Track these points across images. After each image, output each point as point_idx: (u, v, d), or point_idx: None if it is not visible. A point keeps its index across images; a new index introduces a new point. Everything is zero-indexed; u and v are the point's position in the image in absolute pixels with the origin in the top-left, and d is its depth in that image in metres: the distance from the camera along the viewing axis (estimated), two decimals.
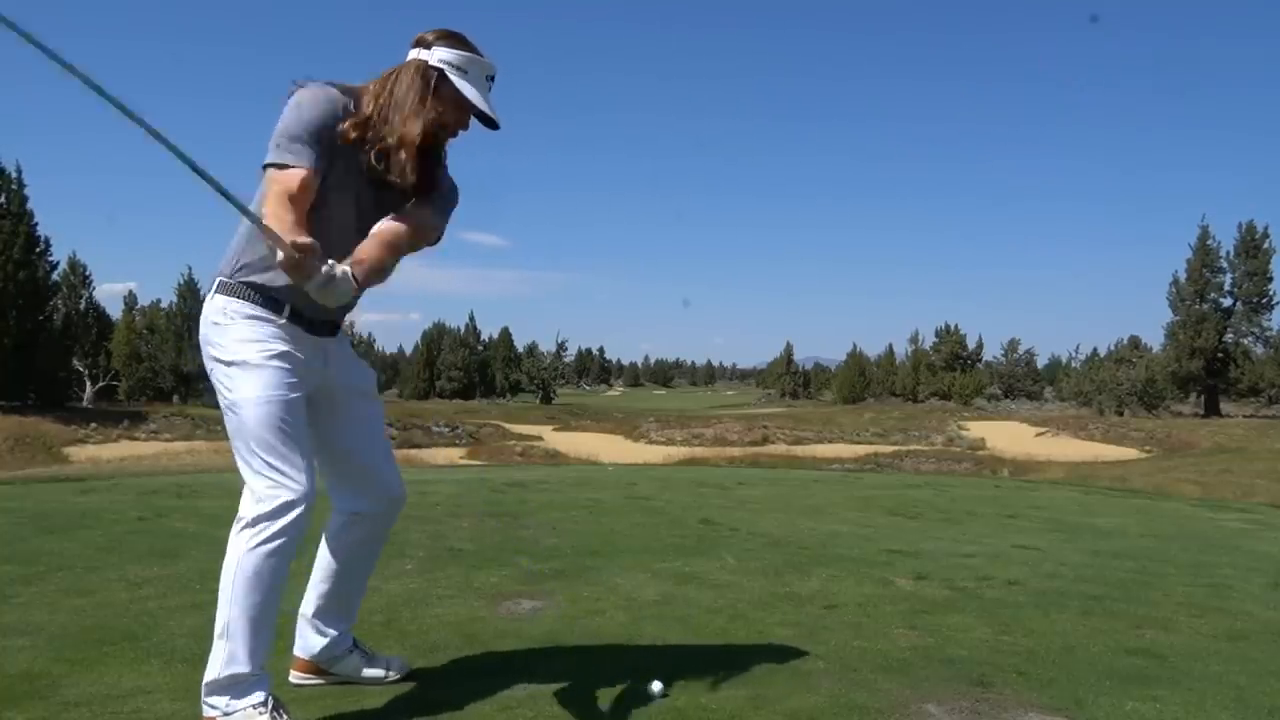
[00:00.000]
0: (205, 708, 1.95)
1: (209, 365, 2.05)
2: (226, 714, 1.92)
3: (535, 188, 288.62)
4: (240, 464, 2.00)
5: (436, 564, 3.80)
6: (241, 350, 2.01)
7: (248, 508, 1.97)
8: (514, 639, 2.75)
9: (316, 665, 2.31)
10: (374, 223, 2.06)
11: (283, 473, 1.96)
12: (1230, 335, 48.43)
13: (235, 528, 1.97)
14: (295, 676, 2.31)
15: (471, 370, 69.61)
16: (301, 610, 2.29)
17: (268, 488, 1.96)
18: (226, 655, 1.93)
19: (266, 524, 1.94)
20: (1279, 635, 3.05)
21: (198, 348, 2.14)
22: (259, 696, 1.94)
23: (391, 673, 2.35)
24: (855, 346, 74.40)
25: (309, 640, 2.29)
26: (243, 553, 1.95)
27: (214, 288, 2.07)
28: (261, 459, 1.97)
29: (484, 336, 75.11)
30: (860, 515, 5.76)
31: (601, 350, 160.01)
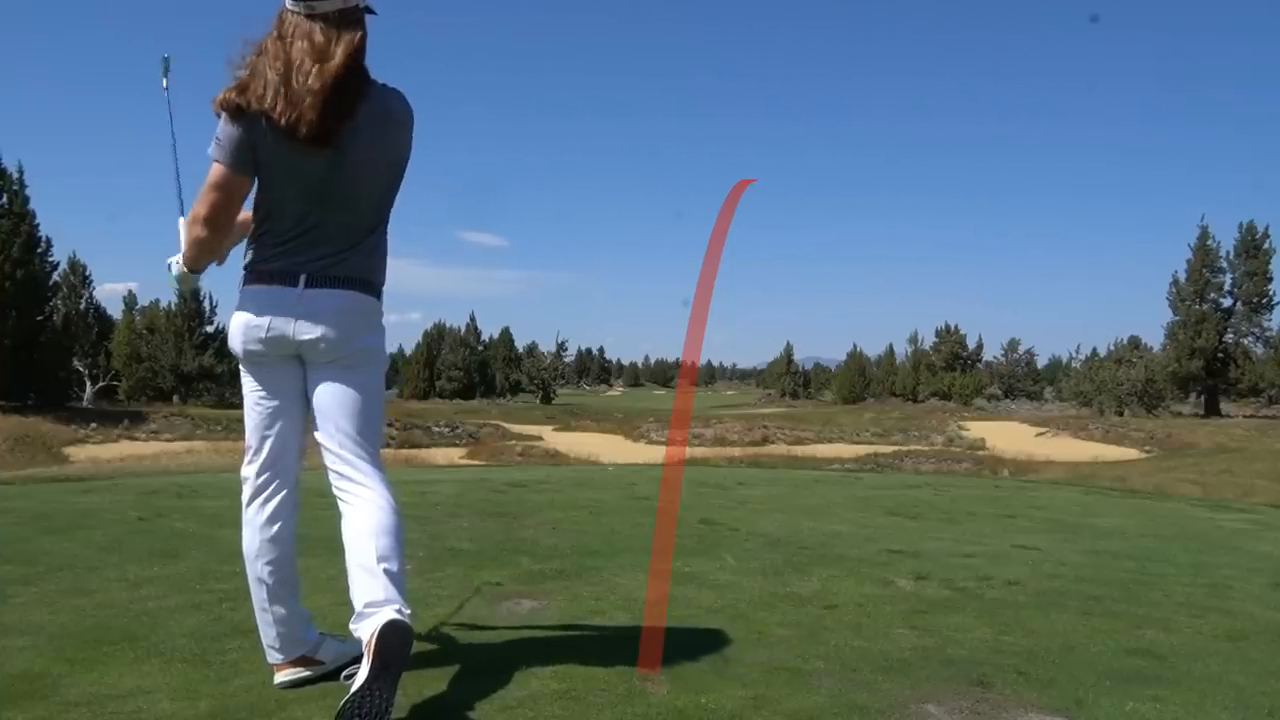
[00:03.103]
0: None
1: (377, 355, 2.28)
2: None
3: (535, 188, 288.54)
4: (380, 441, 2.29)
5: (436, 564, 3.80)
6: None
7: (382, 467, 2.27)
8: (514, 639, 2.75)
9: (305, 658, 2.31)
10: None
11: None
12: (1230, 335, 48.39)
13: (389, 489, 2.22)
14: (288, 675, 2.29)
15: (471, 370, 69.57)
16: (275, 612, 2.28)
17: None
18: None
19: None
20: (1279, 635, 3.05)
21: (333, 341, 2.19)
22: None
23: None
24: (855, 346, 74.44)
25: (292, 632, 2.30)
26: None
27: (377, 295, 2.27)
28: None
29: (484, 336, 75.09)
30: (860, 515, 5.76)
31: (601, 350, 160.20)
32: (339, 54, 2.10)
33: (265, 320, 2.17)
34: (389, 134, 2.20)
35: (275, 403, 2.27)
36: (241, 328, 2.20)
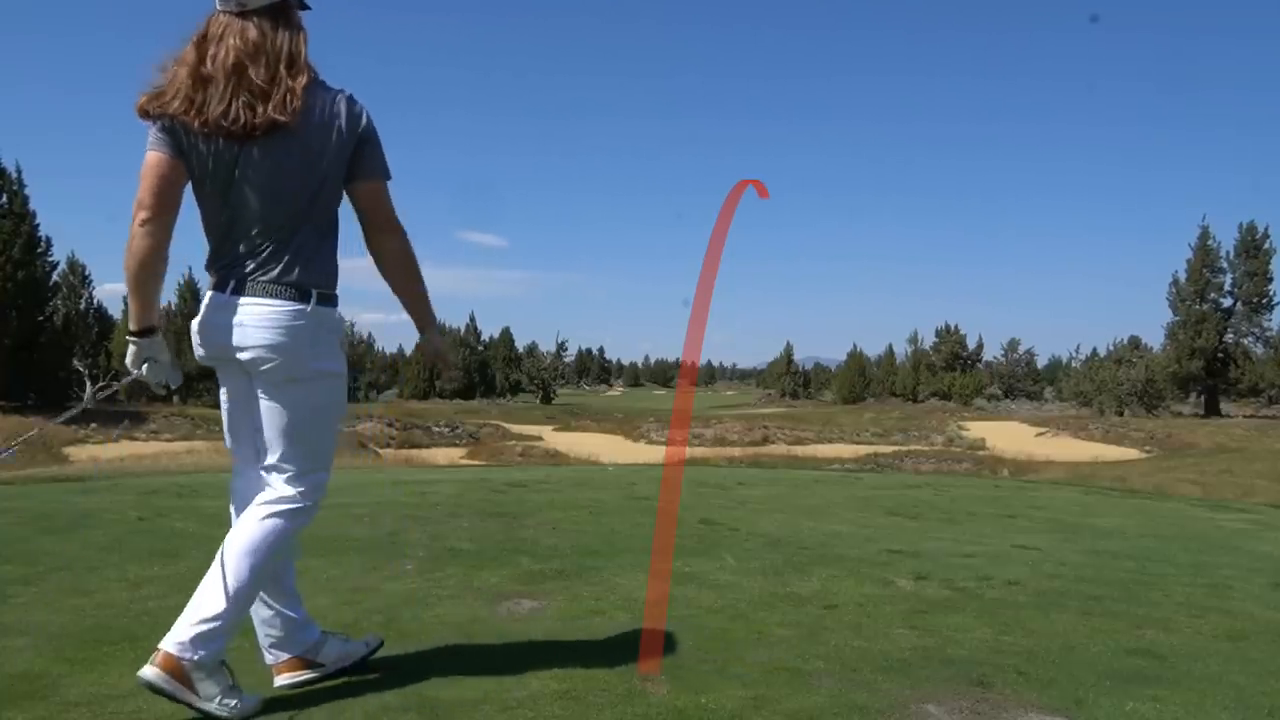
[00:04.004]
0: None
1: (314, 371, 2.18)
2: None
3: (535, 188, 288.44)
4: (310, 458, 2.22)
5: (436, 564, 3.80)
6: (342, 363, 2.26)
7: (313, 495, 2.24)
8: (514, 639, 2.75)
9: (303, 659, 2.31)
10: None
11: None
12: (1230, 335, 48.43)
13: (288, 515, 2.19)
14: (285, 678, 2.29)
15: (471, 370, 69.57)
16: (261, 613, 2.28)
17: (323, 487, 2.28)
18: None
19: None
20: (1279, 635, 3.05)
21: (275, 348, 2.12)
22: None
23: (370, 644, 2.47)
24: (855, 346, 74.46)
25: (285, 634, 2.29)
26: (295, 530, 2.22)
27: (314, 299, 2.16)
28: (329, 459, 2.27)
29: (484, 336, 75.10)
30: (860, 515, 5.75)
31: (601, 350, 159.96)
32: (277, 48, 2.09)
33: (202, 326, 2.18)
34: (313, 130, 2.12)
35: (234, 406, 2.27)
36: (191, 332, 2.21)
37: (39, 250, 34.32)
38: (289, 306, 2.13)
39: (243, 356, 2.14)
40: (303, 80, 2.10)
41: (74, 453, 26.74)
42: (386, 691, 2.27)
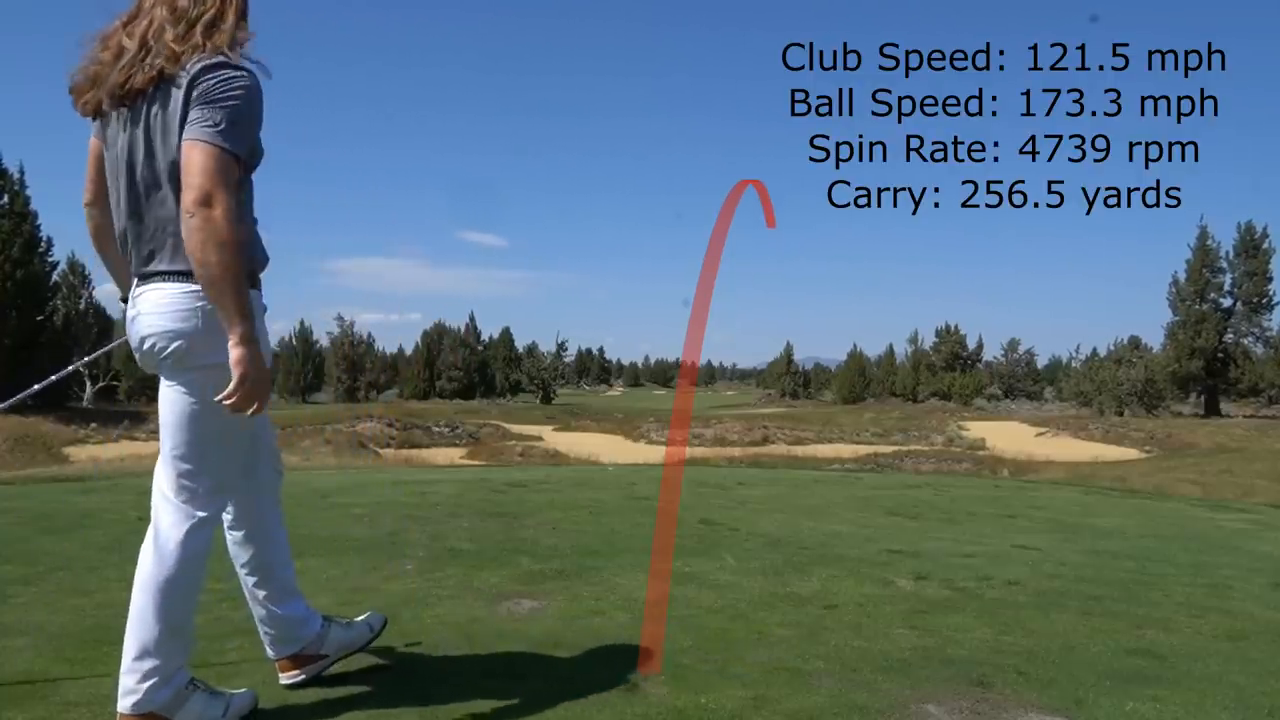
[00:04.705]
0: None
1: (216, 361, 1.91)
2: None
3: (535, 188, 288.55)
4: (206, 459, 2.04)
5: (436, 564, 3.80)
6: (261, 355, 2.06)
7: (209, 504, 2.07)
8: (514, 639, 2.75)
9: (306, 655, 2.30)
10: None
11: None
12: (1230, 335, 48.44)
13: (186, 540, 2.01)
14: (287, 677, 2.29)
15: (471, 370, 69.55)
16: (256, 612, 2.27)
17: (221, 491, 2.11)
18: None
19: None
20: (1279, 635, 3.05)
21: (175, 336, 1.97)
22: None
23: (374, 626, 2.45)
24: (855, 346, 74.49)
25: (280, 632, 2.28)
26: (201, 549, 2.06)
27: (174, 278, 1.96)
28: (232, 462, 2.10)
29: (484, 336, 75.10)
30: (860, 515, 5.75)
31: (601, 350, 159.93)
32: (201, 12, 2.00)
33: (128, 328, 2.07)
34: (169, 96, 1.94)
35: None
36: None
37: (39, 250, 34.34)
38: (180, 288, 1.96)
39: (145, 347, 2.00)
40: (217, 40, 1.96)
41: (74, 453, 26.77)
42: (387, 691, 2.27)
